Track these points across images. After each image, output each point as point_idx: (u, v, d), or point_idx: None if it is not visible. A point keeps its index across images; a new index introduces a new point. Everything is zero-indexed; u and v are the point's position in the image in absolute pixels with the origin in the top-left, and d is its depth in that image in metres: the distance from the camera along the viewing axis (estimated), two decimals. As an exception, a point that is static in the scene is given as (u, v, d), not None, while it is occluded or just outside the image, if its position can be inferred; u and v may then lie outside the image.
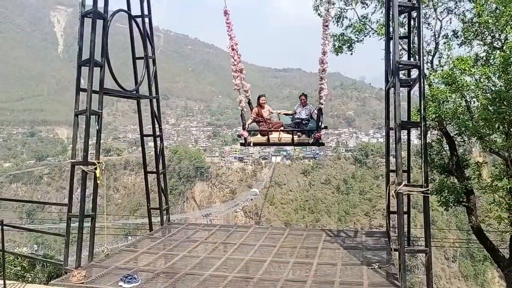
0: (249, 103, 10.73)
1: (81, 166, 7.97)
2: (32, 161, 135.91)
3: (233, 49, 9.98)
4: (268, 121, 10.58)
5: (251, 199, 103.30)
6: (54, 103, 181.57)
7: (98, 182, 8.13)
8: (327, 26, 9.31)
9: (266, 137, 10.38)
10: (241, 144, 10.65)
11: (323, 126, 10.13)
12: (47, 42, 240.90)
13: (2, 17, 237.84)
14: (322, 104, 9.91)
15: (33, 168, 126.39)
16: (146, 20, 10.72)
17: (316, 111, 10.11)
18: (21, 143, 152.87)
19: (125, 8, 10.15)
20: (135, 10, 10.49)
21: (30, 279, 11.02)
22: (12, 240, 78.55)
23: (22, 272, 11.35)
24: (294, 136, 10.27)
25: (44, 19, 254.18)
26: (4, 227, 6.80)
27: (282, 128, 10.52)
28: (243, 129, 10.31)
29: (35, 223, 79.36)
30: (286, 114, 11.07)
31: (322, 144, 10.35)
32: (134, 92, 10.46)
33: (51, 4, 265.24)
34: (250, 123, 10.53)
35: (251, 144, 10.48)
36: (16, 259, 11.71)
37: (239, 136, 10.45)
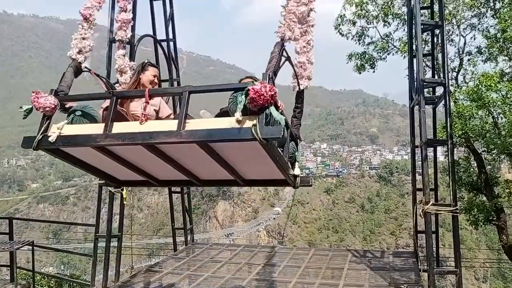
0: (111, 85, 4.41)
1: (108, 187, 8.12)
2: (59, 182, 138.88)
3: None
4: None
5: (274, 218, 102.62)
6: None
7: (125, 202, 8.26)
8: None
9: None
10: (24, 143, 3.67)
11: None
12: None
13: (32, 43, 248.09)
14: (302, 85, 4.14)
15: (61, 189, 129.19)
16: (171, 43, 10.97)
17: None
18: (49, 164, 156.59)
19: (150, 32, 10.43)
20: (160, 34, 10.76)
21: (57, 299, 11.18)
22: (39, 260, 79.85)
23: (50, 292, 11.52)
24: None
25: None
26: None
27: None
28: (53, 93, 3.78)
29: (61, 243, 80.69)
30: None
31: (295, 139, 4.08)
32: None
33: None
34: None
35: (54, 140, 3.53)
36: (43, 279, 11.89)
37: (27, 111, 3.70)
